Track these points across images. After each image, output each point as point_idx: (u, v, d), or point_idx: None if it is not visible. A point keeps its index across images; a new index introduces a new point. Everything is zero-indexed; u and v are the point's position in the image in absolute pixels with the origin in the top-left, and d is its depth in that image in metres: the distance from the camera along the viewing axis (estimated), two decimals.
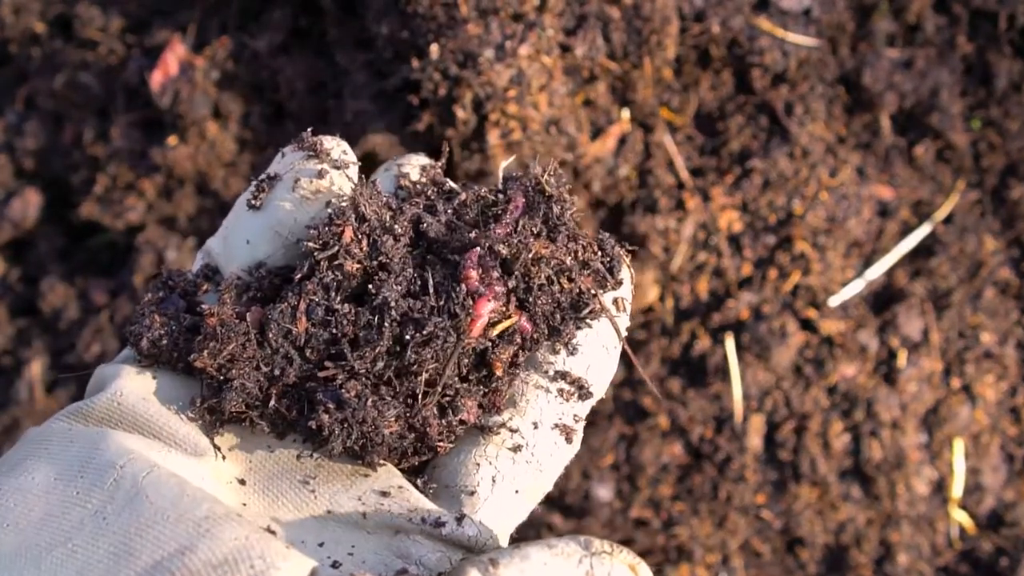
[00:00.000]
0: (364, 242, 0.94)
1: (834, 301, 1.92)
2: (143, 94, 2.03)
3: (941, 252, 1.98)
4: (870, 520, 1.91)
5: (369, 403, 0.88)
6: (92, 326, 2.03)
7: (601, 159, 1.87)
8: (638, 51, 1.81)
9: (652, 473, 1.92)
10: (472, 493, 0.90)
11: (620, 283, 0.99)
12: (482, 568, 0.76)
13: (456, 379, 0.92)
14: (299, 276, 0.94)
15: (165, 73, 1.96)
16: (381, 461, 0.91)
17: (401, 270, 0.93)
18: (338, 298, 0.92)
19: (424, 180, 1.07)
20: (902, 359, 1.92)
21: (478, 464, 0.91)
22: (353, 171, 1.01)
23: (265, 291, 0.99)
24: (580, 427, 0.95)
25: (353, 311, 0.91)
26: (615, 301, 0.99)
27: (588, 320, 0.96)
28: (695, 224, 1.90)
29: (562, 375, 0.94)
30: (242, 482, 0.89)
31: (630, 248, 1.02)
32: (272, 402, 0.91)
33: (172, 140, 1.95)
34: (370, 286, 0.92)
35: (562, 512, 1.91)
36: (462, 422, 0.92)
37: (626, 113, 1.90)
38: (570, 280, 0.96)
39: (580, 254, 0.97)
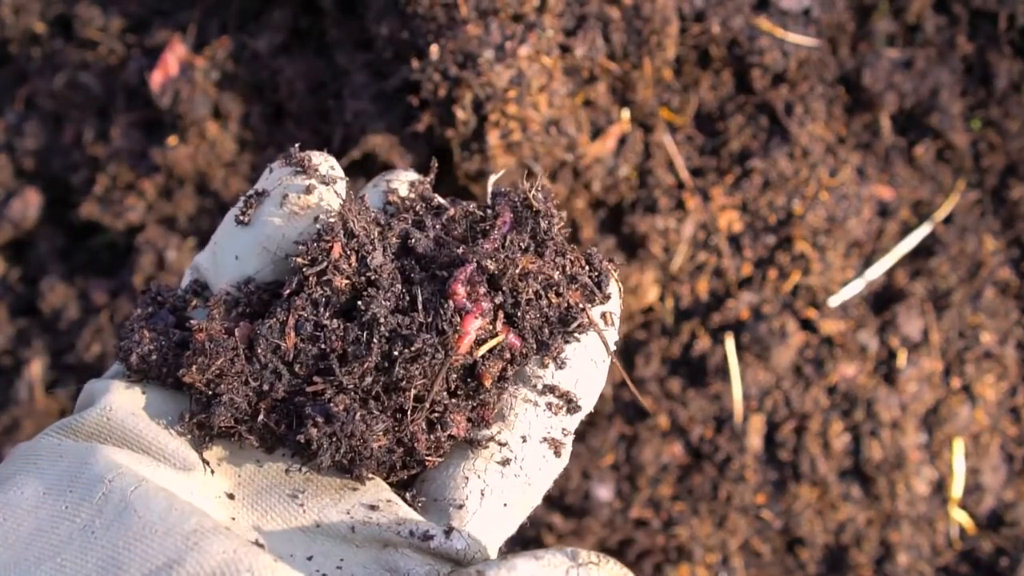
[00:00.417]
0: (353, 258, 0.94)
1: (834, 301, 1.92)
2: (143, 94, 2.03)
3: (941, 252, 1.98)
4: (870, 520, 1.91)
5: (357, 417, 0.88)
6: (92, 326, 2.03)
7: (601, 159, 1.87)
8: (638, 51, 1.81)
9: (652, 473, 1.92)
10: (461, 506, 0.90)
11: (608, 297, 0.99)
12: None
13: (444, 394, 0.92)
14: (288, 292, 0.94)
15: (165, 73, 1.96)
16: (370, 475, 0.91)
17: (390, 286, 0.93)
18: (327, 314, 0.92)
19: (412, 195, 1.07)
20: (902, 359, 1.92)
21: (467, 477, 0.91)
22: (341, 186, 1.01)
23: (254, 307, 0.99)
24: (569, 441, 0.96)
25: (342, 327, 0.92)
26: (603, 315, 0.99)
27: (576, 334, 0.96)
28: (695, 224, 1.90)
29: (551, 389, 0.95)
30: (231, 496, 0.89)
31: (618, 262, 1.02)
32: (261, 417, 0.91)
33: (172, 140, 1.95)
34: (359, 302, 0.92)
35: (562, 512, 1.91)
36: (451, 437, 0.92)
37: (626, 113, 1.90)
38: (558, 295, 0.96)
39: (568, 268, 0.98)
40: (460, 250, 0.94)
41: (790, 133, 1.90)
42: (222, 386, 0.91)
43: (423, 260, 0.97)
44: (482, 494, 0.91)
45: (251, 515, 0.88)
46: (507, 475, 0.92)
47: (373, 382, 0.90)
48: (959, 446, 1.93)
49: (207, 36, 2.04)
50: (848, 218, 1.89)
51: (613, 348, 0.99)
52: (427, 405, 0.90)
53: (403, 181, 1.10)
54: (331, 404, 0.89)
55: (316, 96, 1.93)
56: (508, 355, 0.94)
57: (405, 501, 0.92)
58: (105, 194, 2.02)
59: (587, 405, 0.97)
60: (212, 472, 0.91)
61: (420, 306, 0.91)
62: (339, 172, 1.03)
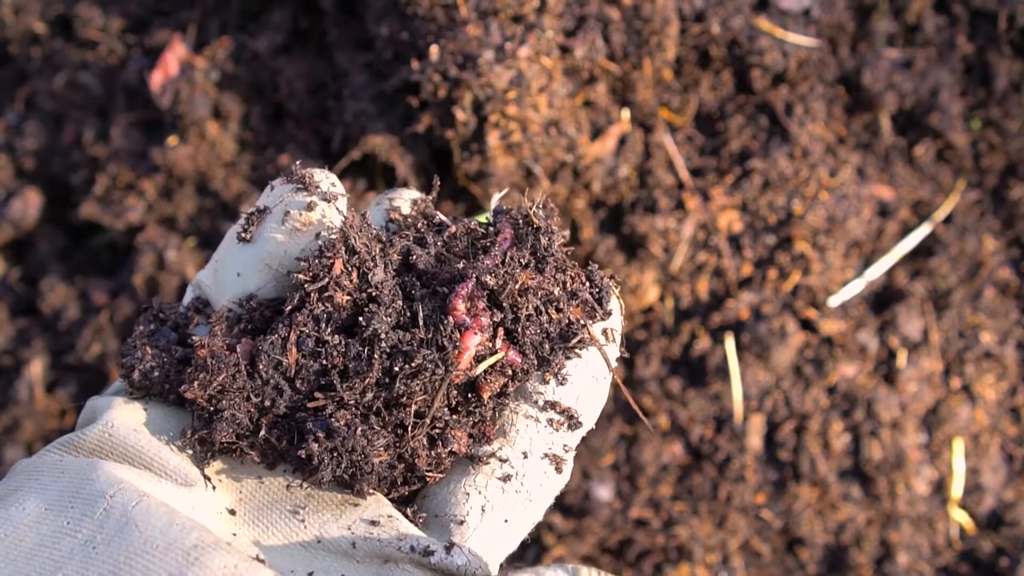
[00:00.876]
0: (354, 274, 0.94)
1: (834, 301, 1.92)
2: (143, 94, 2.03)
3: (941, 252, 1.98)
4: (870, 520, 1.91)
5: (358, 432, 0.88)
6: (92, 326, 2.03)
7: (601, 159, 1.87)
8: (638, 52, 1.81)
9: (652, 473, 1.92)
10: (461, 522, 0.90)
11: (609, 314, 0.99)
12: None
13: (445, 410, 0.92)
14: (289, 308, 0.95)
15: (165, 73, 1.96)
16: (371, 490, 0.91)
17: (391, 302, 0.93)
18: (328, 330, 0.93)
19: (414, 213, 1.07)
20: (902, 359, 1.92)
21: (467, 493, 0.92)
22: (343, 203, 1.02)
23: (256, 323, 0.99)
24: (570, 457, 0.96)
25: (343, 343, 0.92)
26: (604, 331, 0.99)
27: (577, 350, 0.96)
28: (695, 224, 1.90)
29: (552, 405, 0.95)
30: (232, 512, 0.90)
31: (620, 279, 1.02)
32: (262, 432, 0.91)
33: (172, 140, 1.95)
34: (360, 318, 0.92)
35: (562, 512, 1.91)
36: (452, 453, 0.92)
37: (626, 113, 1.90)
38: (558, 311, 0.96)
39: (568, 285, 0.97)
40: (461, 266, 0.95)
41: (790, 133, 1.90)
42: (223, 402, 0.91)
43: (424, 276, 0.97)
44: (483, 510, 0.91)
45: (252, 531, 0.88)
46: (508, 491, 0.92)
47: (374, 398, 0.90)
48: (959, 446, 1.93)
49: (207, 36, 2.04)
50: (848, 218, 1.89)
51: (615, 364, 0.99)
52: (428, 421, 0.90)
53: (406, 199, 1.10)
54: (332, 419, 0.89)
55: (316, 96, 1.93)
56: (509, 372, 0.94)
57: (406, 517, 0.92)
58: (105, 194, 2.02)
59: (588, 421, 0.97)
60: (213, 488, 0.91)
61: (421, 322, 0.91)
62: (340, 189, 1.04)
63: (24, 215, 2.12)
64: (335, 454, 0.88)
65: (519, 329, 0.94)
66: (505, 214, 1.01)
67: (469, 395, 0.93)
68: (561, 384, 0.95)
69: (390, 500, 0.94)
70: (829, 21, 1.96)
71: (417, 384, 0.89)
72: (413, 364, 0.89)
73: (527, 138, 1.71)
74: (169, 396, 0.98)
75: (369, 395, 0.90)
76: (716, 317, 1.92)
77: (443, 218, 1.05)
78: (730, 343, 1.91)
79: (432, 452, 0.91)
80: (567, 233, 1.03)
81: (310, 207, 1.00)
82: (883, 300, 1.98)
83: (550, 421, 0.94)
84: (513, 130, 1.69)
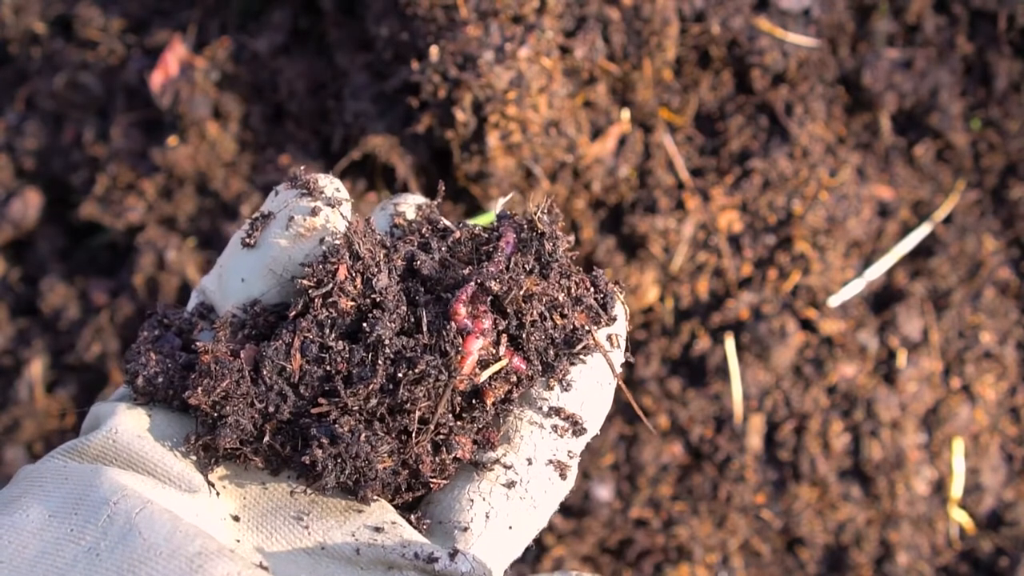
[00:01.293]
0: (358, 280, 0.94)
1: (834, 301, 1.92)
2: (143, 94, 2.03)
3: (941, 252, 1.98)
4: (870, 520, 1.91)
5: (362, 438, 0.88)
6: (92, 326, 2.03)
7: (601, 159, 1.87)
8: (638, 52, 1.81)
9: (652, 473, 1.92)
10: (465, 529, 0.90)
11: (614, 319, 0.99)
12: None
13: (449, 416, 0.92)
14: (294, 314, 0.95)
15: (165, 73, 1.96)
16: (375, 496, 0.91)
17: (395, 307, 0.93)
18: (332, 335, 0.92)
19: (419, 218, 1.06)
20: (902, 359, 1.92)
21: (472, 500, 0.91)
22: (347, 208, 1.01)
23: (260, 328, 0.99)
24: (575, 463, 0.96)
25: (347, 348, 0.91)
26: (609, 337, 0.98)
27: (582, 356, 0.96)
28: (695, 224, 1.90)
29: (556, 411, 0.95)
30: (236, 519, 0.89)
31: (624, 285, 1.02)
32: (267, 438, 0.91)
33: (172, 140, 1.95)
34: (364, 324, 0.92)
35: (562, 512, 1.91)
36: (456, 459, 0.92)
37: (626, 114, 1.90)
38: (562, 316, 0.95)
39: (573, 290, 0.97)
40: (465, 271, 0.94)
41: (790, 133, 1.90)
42: (227, 408, 0.91)
43: (428, 282, 0.97)
44: (487, 517, 0.91)
45: (256, 537, 0.88)
46: (512, 497, 0.92)
47: (378, 404, 0.90)
48: (959, 446, 1.93)
49: (207, 36, 2.04)
50: (848, 218, 1.89)
51: (619, 370, 0.98)
52: (432, 427, 0.90)
53: (411, 204, 1.10)
54: (336, 425, 0.89)
55: (316, 97, 1.93)
56: (514, 378, 0.93)
57: (410, 523, 0.92)
58: (105, 194, 2.02)
59: (593, 427, 0.96)
60: (217, 494, 0.91)
61: (425, 328, 0.91)
62: (344, 194, 1.03)
63: (24, 215, 2.12)
64: (339, 460, 0.88)
65: (523, 335, 0.94)
66: (509, 219, 1.01)
67: (473, 401, 0.93)
68: (566, 390, 0.95)
69: (394, 506, 0.93)
70: (829, 21, 1.96)
71: (421, 390, 0.88)
72: (416, 370, 0.88)
73: (527, 138, 1.71)
74: (173, 402, 0.98)
75: (373, 401, 0.89)
76: (716, 317, 1.92)
77: (447, 223, 1.05)
78: (730, 343, 1.91)
79: (436, 458, 0.91)
80: (572, 238, 1.03)
81: (314, 212, 0.99)
82: (883, 300, 1.98)
83: (554, 427, 0.94)
84: (513, 130, 1.69)
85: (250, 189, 1.94)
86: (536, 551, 1.91)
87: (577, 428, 0.95)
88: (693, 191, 1.91)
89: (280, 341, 0.93)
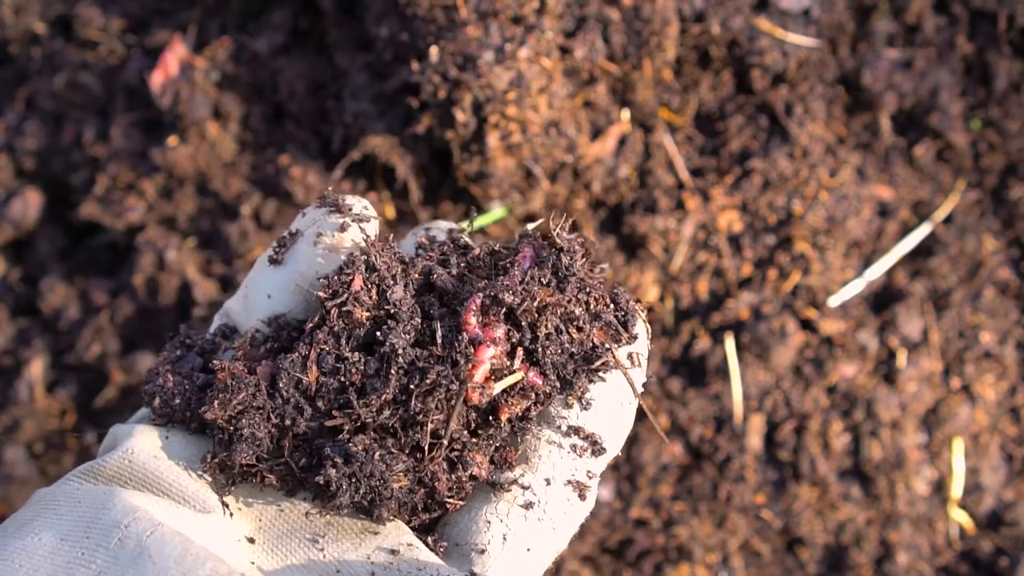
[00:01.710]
0: (373, 291, 0.94)
1: (834, 301, 1.92)
2: (143, 94, 2.03)
3: (941, 252, 1.98)
4: (870, 520, 1.91)
5: (376, 456, 0.87)
6: (92, 326, 2.03)
7: (601, 159, 1.87)
8: (638, 52, 1.81)
9: (652, 473, 1.92)
10: (483, 551, 0.89)
11: (635, 337, 0.98)
12: None
13: (464, 432, 0.91)
14: (311, 326, 0.95)
15: (165, 73, 1.96)
16: (390, 516, 0.90)
17: (409, 319, 0.93)
18: (347, 346, 0.92)
19: (443, 238, 1.07)
20: (902, 359, 1.92)
21: (489, 521, 0.90)
22: (374, 225, 1.02)
23: (283, 342, 0.99)
24: (594, 484, 0.94)
25: (362, 359, 0.91)
26: (630, 355, 0.97)
27: (601, 373, 0.95)
28: (695, 224, 1.90)
29: (575, 430, 0.93)
30: (251, 540, 0.89)
31: (641, 302, 1.01)
32: (284, 454, 0.91)
33: (172, 140, 1.95)
34: (378, 333, 0.92)
35: None
36: (472, 477, 0.91)
37: (626, 114, 1.90)
38: (579, 330, 0.95)
39: (592, 306, 0.96)
40: (482, 285, 0.94)
41: (790, 133, 1.90)
42: (243, 421, 0.91)
43: (445, 296, 0.97)
44: (504, 539, 0.90)
45: (271, 559, 0.88)
46: (530, 519, 0.91)
47: (391, 415, 0.89)
48: (959, 446, 1.93)
49: (207, 36, 2.03)
50: (848, 218, 1.89)
51: (640, 390, 0.97)
52: (445, 442, 0.89)
53: (442, 229, 1.11)
54: (350, 444, 0.88)
55: (316, 97, 1.93)
56: (531, 395, 0.92)
57: (427, 545, 0.91)
58: (105, 194, 2.02)
59: (613, 448, 0.95)
60: (231, 515, 0.91)
61: (439, 340, 0.91)
62: (372, 212, 1.04)
63: (24, 215, 2.12)
64: (353, 479, 0.87)
65: (539, 348, 0.93)
66: (528, 236, 1.01)
67: (489, 417, 0.92)
68: (585, 409, 0.93)
69: (411, 528, 0.93)
70: (829, 21, 1.96)
71: (432, 401, 0.88)
72: (428, 380, 0.88)
73: (527, 139, 1.71)
74: (191, 424, 0.98)
75: (386, 412, 0.89)
76: (716, 317, 1.92)
77: (468, 240, 1.05)
78: (730, 343, 1.91)
79: (452, 476, 0.90)
80: (606, 266, 1.02)
81: (343, 228, 1.00)
82: (883, 300, 1.98)
83: (573, 447, 0.93)
84: (513, 131, 1.69)
85: (250, 189, 1.94)
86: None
87: (596, 448, 0.93)
88: (693, 191, 1.91)
89: (297, 353, 0.93)
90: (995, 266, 1.98)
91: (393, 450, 0.89)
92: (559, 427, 0.94)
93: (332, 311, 0.94)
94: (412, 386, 0.89)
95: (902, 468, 1.89)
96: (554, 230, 0.98)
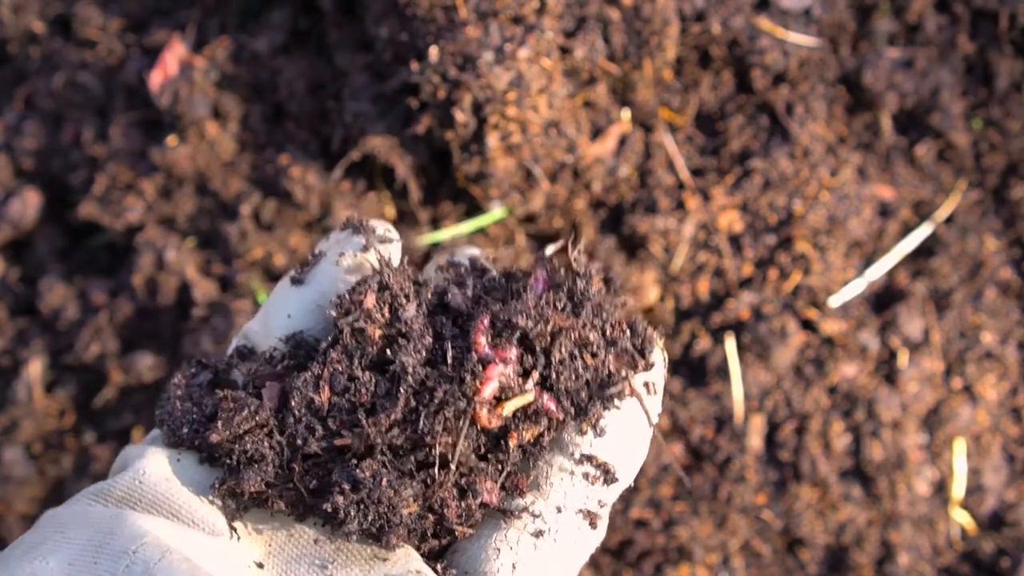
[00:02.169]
0: (386, 309, 0.94)
1: (835, 301, 1.92)
2: (142, 94, 2.02)
3: (942, 252, 1.97)
4: (871, 520, 1.91)
5: (384, 483, 0.86)
6: (91, 326, 2.02)
7: (601, 159, 1.86)
8: (638, 52, 1.80)
9: (652, 473, 1.92)
10: None
11: (651, 365, 0.97)
12: None
13: (473, 457, 0.90)
14: (324, 346, 0.95)
15: (164, 73, 1.96)
16: (400, 543, 0.89)
17: (420, 337, 0.92)
18: (359, 365, 0.92)
19: (461, 261, 1.07)
20: (903, 359, 1.92)
21: (498, 549, 0.90)
22: (396, 247, 1.03)
23: (300, 360, 0.99)
24: (606, 513, 0.93)
25: (373, 379, 0.91)
26: (646, 384, 0.96)
27: (616, 401, 0.94)
28: (695, 224, 1.90)
29: (588, 458, 0.92)
30: (260, 566, 0.89)
31: (659, 329, 1.01)
32: (294, 478, 0.90)
33: (172, 140, 1.94)
34: (388, 352, 0.92)
35: None
36: (483, 504, 0.90)
37: (626, 113, 1.89)
38: (593, 356, 0.94)
39: (608, 332, 0.95)
40: (496, 308, 0.94)
41: (790, 133, 1.89)
42: (247, 440, 0.91)
43: (459, 318, 0.97)
44: (514, 567, 0.89)
45: None
46: (540, 547, 0.90)
47: (399, 435, 0.88)
48: (960, 446, 1.93)
49: (207, 36, 2.03)
50: (849, 218, 1.89)
51: (656, 419, 0.96)
52: (454, 466, 0.88)
53: (465, 255, 1.11)
54: (358, 470, 0.87)
55: (316, 97, 1.93)
56: (544, 421, 0.92)
57: (436, 572, 0.90)
58: (104, 194, 2.02)
59: (626, 477, 0.94)
60: (239, 539, 0.90)
61: (449, 359, 0.91)
62: (395, 235, 1.05)
63: (23, 215, 2.12)
64: (361, 506, 0.87)
65: (552, 374, 0.92)
66: (544, 260, 1.01)
67: (500, 443, 0.92)
68: (599, 436, 0.92)
69: (420, 554, 0.92)
70: (830, 21, 1.95)
71: (441, 421, 0.87)
72: (436, 399, 0.87)
73: (527, 139, 1.71)
74: (201, 453, 0.97)
75: (395, 431, 0.88)
76: (716, 317, 1.91)
77: (485, 263, 1.05)
78: (730, 343, 1.91)
79: (462, 503, 0.90)
80: (625, 300, 1.02)
81: (365, 248, 1.01)
82: (884, 300, 1.98)
83: (585, 475, 0.92)
84: (513, 131, 1.68)
85: (250, 189, 1.94)
86: None
87: (609, 477, 0.92)
88: (693, 191, 1.90)
89: (309, 373, 0.93)
90: (996, 266, 1.98)
91: (402, 476, 0.89)
92: (572, 454, 0.93)
93: (344, 330, 0.94)
94: (421, 406, 0.88)
95: (903, 468, 1.89)
96: (571, 254, 0.98)
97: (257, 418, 0.91)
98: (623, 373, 0.94)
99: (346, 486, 0.88)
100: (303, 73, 1.93)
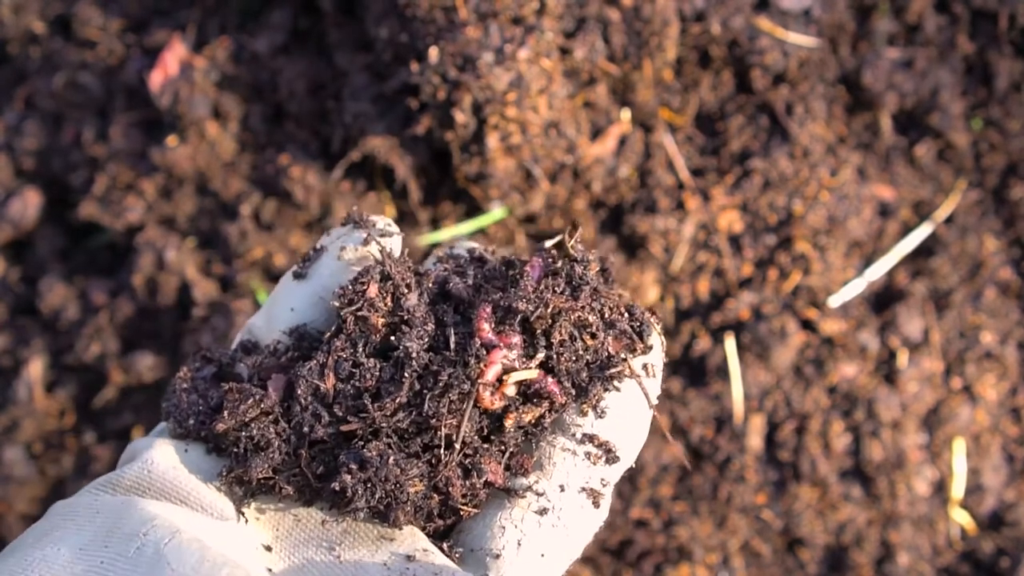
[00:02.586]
0: (388, 298, 0.96)
1: (834, 301, 1.92)
2: (142, 94, 2.02)
3: (942, 252, 1.98)
4: (870, 520, 1.91)
5: (391, 461, 0.88)
6: (91, 326, 2.03)
7: (601, 160, 1.86)
8: (638, 53, 1.80)
9: (652, 473, 1.92)
10: (497, 556, 0.90)
11: (650, 348, 0.99)
12: None
13: (476, 438, 0.92)
14: (328, 335, 0.96)
15: (165, 73, 1.96)
16: (407, 520, 0.91)
17: (422, 324, 0.94)
18: (363, 352, 0.94)
19: (460, 252, 1.08)
20: (903, 359, 1.92)
21: (503, 527, 0.91)
22: (397, 241, 1.04)
23: (304, 351, 1.01)
24: (608, 492, 0.95)
25: (377, 365, 0.93)
26: (644, 366, 0.98)
27: (616, 383, 0.95)
28: (695, 224, 1.90)
29: (590, 438, 0.94)
30: (268, 548, 0.90)
31: (656, 314, 1.02)
32: (301, 464, 0.92)
33: (172, 140, 1.94)
34: (392, 338, 0.93)
35: None
36: (487, 483, 0.92)
37: (626, 114, 1.89)
38: (592, 337, 0.95)
39: (606, 314, 0.97)
40: (497, 295, 0.95)
41: (790, 133, 1.89)
42: (253, 428, 0.92)
43: (460, 306, 0.98)
44: (519, 544, 0.90)
45: (288, 567, 0.88)
46: (544, 525, 0.91)
47: (404, 418, 0.90)
48: (960, 446, 1.93)
49: (207, 36, 2.03)
50: (848, 218, 1.89)
51: (655, 401, 0.98)
52: (458, 446, 0.90)
53: (464, 247, 1.12)
54: (365, 451, 0.89)
55: (316, 97, 1.93)
56: (546, 404, 0.93)
57: (442, 551, 0.91)
58: (105, 194, 2.02)
59: (627, 457, 0.96)
60: (246, 521, 0.92)
61: (452, 345, 0.92)
62: (395, 229, 1.06)
63: (23, 215, 2.12)
64: (369, 484, 0.88)
65: (553, 355, 0.94)
66: (542, 250, 1.03)
67: (503, 424, 0.93)
68: (600, 417, 0.94)
69: (426, 534, 0.93)
70: (830, 21, 1.95)
71: (445, 403, 0.89)
72: (440, 383, 0.89)
73: (527, 139, 1.71)
74: (208, 443, 0.99)
75: (400, 415, 0.90)
76: (716, 317, 1.91)
77: (484, 253, 1.07)
78: (730, 343, 1.91)
79: (467, 482, 0.91)
80: (626, 294, 1.03)
81: (366, 242, 1.02)
82: (884, 300, 1.98)
83: (588, 455, 0.93)
84: (513, 132, 1.68)
85: (250, 189, 1.94)
86: None
87: (610, 456, 0.94)
88: (693, 191, 1.90)
89: (314, 361, 0.94)
90: (996, 266, 1.98)
91: (408, 456, 0.90)
92: (574, 435, 0.94)
93: (348, 319, 0.95)
94: (425, 389, 0.90)
95: (903, 468, 1.89)
96: (569, 242, 1.00)
97: (263, 406, 0.92)
98: (622, 355, 0.96)
99: (353, 466, 0.89)
100: (303, 73, 1.93)
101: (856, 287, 1.95)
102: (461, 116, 1.66)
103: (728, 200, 1.89)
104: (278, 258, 1.92)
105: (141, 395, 2.04)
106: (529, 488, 0.92)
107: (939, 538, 1.93)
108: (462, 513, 0.93)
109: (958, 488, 1.92)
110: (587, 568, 1.91)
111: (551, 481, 0.93)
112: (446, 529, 0.95)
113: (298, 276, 1.05)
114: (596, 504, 0.94)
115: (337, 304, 0.96)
